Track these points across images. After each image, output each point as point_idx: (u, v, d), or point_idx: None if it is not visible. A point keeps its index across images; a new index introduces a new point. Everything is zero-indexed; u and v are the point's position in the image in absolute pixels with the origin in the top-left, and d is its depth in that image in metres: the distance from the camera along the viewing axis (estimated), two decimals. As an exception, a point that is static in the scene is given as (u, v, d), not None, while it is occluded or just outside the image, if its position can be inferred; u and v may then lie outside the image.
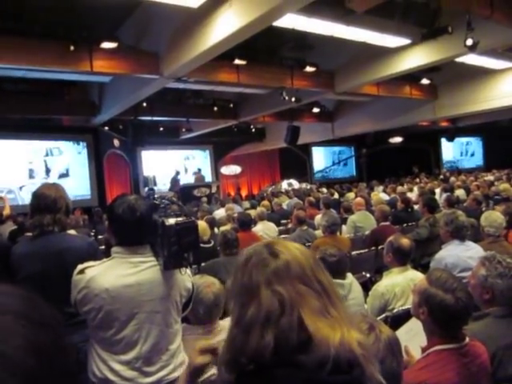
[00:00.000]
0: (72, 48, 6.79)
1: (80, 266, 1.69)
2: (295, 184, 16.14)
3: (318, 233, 5.22)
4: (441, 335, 1.67)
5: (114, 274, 1.61)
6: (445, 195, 6.88)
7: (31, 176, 13.23)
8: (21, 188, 12.92)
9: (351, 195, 10.02)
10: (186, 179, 14.93)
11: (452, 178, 11.88)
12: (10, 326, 0.37)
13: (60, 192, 2.04)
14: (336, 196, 10.57)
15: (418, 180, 14.03)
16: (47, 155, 13.64)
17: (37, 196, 2.01)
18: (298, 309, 0.88)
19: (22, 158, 13.05)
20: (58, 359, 0.39)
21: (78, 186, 13.81)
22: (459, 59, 8.89)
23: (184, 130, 14.25)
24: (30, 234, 5.36)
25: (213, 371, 2.14)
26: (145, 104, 10.94)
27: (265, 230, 5.90)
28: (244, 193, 18.53)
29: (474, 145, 23.57)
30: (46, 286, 1.86)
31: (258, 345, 0.86)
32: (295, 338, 0.86)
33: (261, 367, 0.87)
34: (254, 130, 17.32)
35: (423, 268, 3.83)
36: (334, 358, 0.84)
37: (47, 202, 1.98)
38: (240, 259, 1.00)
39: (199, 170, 15.45)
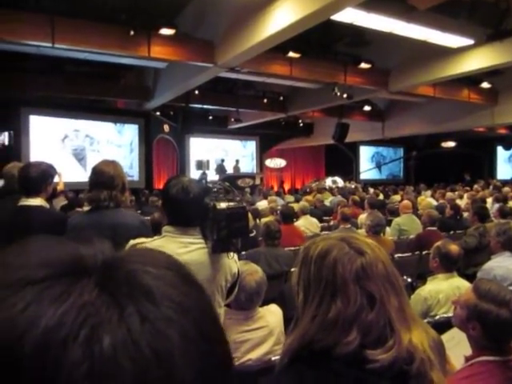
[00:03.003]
0: (132, 33, 6.96)
1: (132, 242, 1.73)
2: (340, 182, 15.92)
3: (361, 232, 5.14)
4: (487, 347, 1.61)
5: (165, 252, 1.65)
6: (497, 205, 6.58)
7: (93, 149, 13.92)
8: (82, 158, 13.70)
9: (397, 197, 9.79)
10: (231, 169, 15.15)
11: (506, 189, 11.30)
12: (176, 282, 0.34)
13: (118, 170, 2.11)
14: (381, 197, 10.36)
15: (469, 188, 13.46)
16: (109, 130, 14.33)
17: (96, 172, 2.08)
18: (386, 306, 0.88)
19: (84, 130, 13.81)
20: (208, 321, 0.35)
21: (130, 165, 14.46)
22: (525, 63, 8.45)
23: (233, 119, 14.38)
24: (80, 209, 5.57)
25: (248, 357, 2.18)
26: (197, 92, 11.10)
27: (307, 224, 5.88)
28: (286, 187, 18.50)
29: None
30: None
31: (339, 340, 0.85)
32: (377, 335, 0.86)
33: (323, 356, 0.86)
34: (301, 124, 17.20)
35: (468, 278, 3.70)
36: (404, 357, 0.84)
37: (105, 178, 2.05)
38: (309, 252, 0.97)
39: (237, 161, 15.60)
